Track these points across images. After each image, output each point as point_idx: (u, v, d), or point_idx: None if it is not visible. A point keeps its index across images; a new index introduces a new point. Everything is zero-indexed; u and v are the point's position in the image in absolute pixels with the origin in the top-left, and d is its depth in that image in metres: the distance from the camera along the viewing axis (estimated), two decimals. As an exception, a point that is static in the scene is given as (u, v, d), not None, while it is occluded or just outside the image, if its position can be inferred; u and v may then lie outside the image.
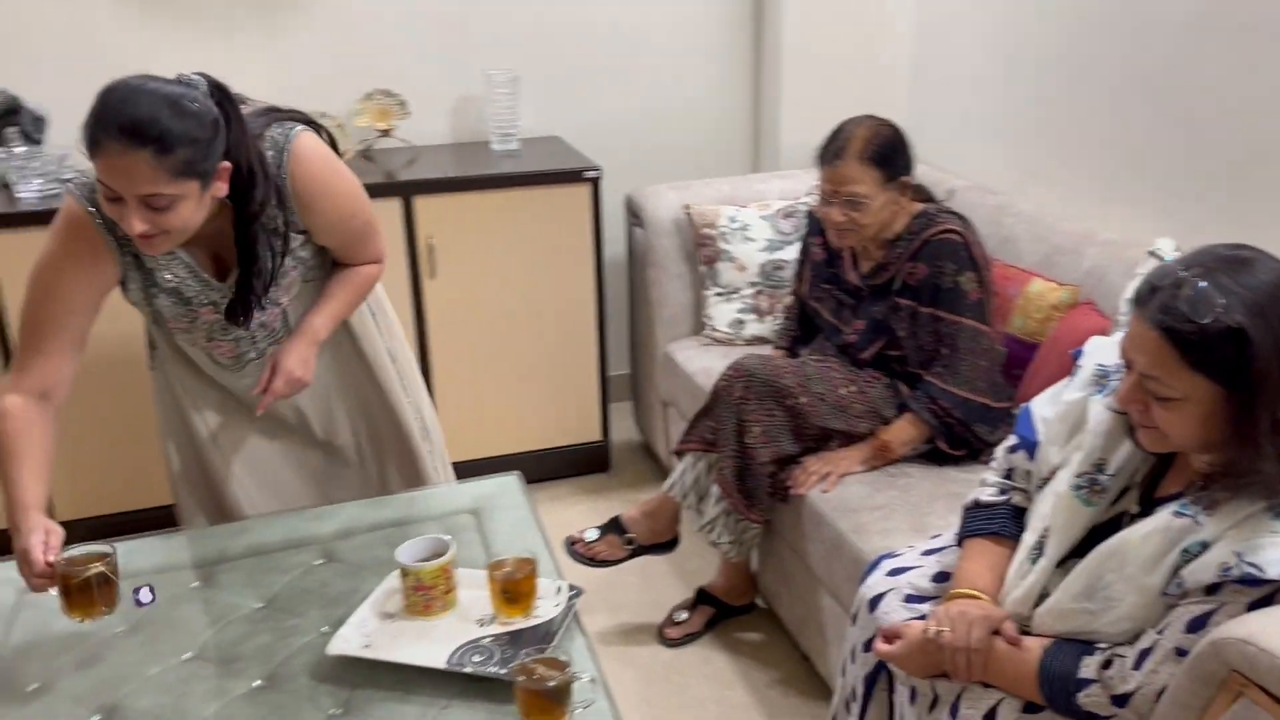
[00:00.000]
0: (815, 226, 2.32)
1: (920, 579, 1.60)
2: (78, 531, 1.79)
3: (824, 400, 2.13)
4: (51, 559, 1.50)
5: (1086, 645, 1.35)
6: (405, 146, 2.94)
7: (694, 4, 3.16)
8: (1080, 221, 2.39)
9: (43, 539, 1.51)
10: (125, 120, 1.46)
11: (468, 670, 1.44)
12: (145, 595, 1.61)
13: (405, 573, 1.55)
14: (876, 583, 1.64)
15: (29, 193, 2.52)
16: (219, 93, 1.59)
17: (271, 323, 1.83)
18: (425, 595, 1.55)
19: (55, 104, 2.67)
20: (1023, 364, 2.20)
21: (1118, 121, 2.37)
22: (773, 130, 3.22)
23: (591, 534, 2.30)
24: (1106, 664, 1.31)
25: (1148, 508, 1.37)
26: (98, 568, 1.50)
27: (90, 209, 1.64)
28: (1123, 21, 2.32)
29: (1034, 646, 1.38)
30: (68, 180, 1.66)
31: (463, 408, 2.88)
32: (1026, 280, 2.26)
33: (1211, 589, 1.23)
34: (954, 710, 1.43)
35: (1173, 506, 1.31)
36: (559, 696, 1.32)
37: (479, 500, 1.93)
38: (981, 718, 1.40)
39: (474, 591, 1.59)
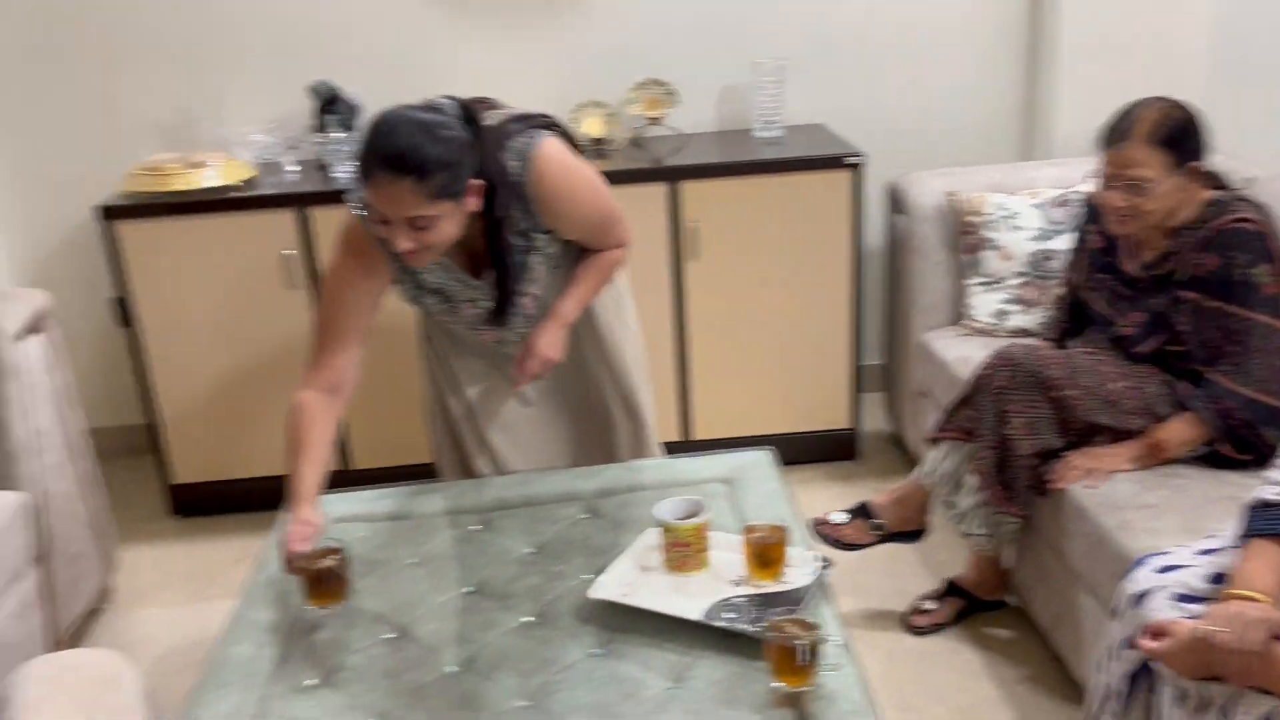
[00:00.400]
0: (1093, 213, 2.22)
1: (1193, 578, 1.53)
2: (373, 479, 2.01)
3: (1093, 394, 2.05)
4: (299, 549, 1.65)
5: None
6: (673, 134, 3.06)
7: (968, -12, 3.10)
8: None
9: (300, 530, 1.68)
10: (389, 152, 1.64)
11: (720, 624, 1.51)
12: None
13: (665, 529, 1.64)
14: (1143, 579, 1.57)
15: (345, 173, 2.83)
16: (466, 113, 1.75)
17: (526, 309, 1.99)
18: (682, 552, 1.63)
19: (368, 94, 2.97)
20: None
21: None
22: (1047, 117, 3.10)
23: (839, 516, 2.32)
24: None
25: None
26: (327, 562, 1.64)
27: (364, 223, 1.84)
28: None
29: None
30: (351, 196, 1.88)
31: (716, 386, 2.96)
32: (1332, 276, 2.07)
33: None
34: (1225, 714, 1.36)
35: None
36: (808, 655, 1.37)
37: (732, 471, 2.01)
38: (1255, 727, 1.32)
39: (727, 554, 1.66)
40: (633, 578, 1.64)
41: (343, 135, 2.87)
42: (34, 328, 2.30)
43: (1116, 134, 1.99)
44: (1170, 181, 1.96)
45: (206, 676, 1.54)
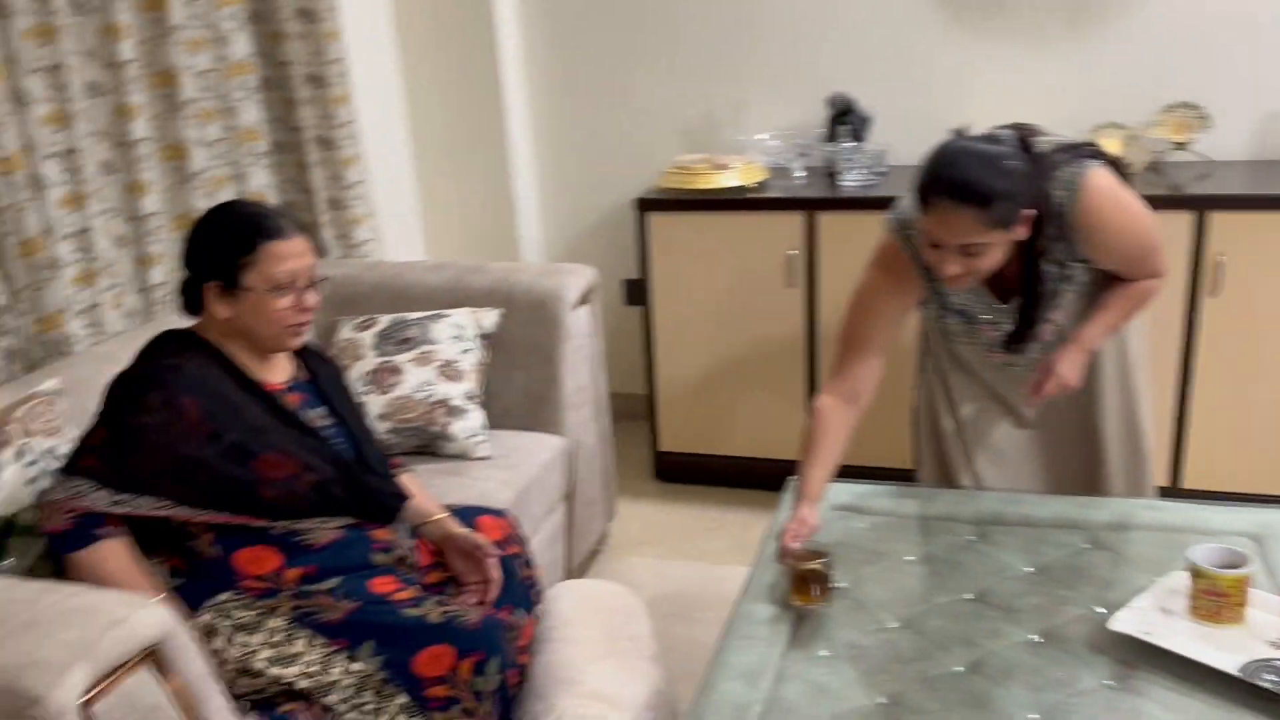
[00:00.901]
0: None
1: None
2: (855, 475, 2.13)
3: None
4: (794, 545, 1.77)
5: None
6: (1199, 160, 2.86)
7: None
8: None
9: (796, 529, 1.80)
10: (955, 181, 1.71)
11: (1263, 684, 1.43)
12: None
13: (1198, 574, 1.57)
14: None
15: (851, 181, 2.96)
16: (1024, 143, 1.77)
17: (1045, 335, 1.98)
18: (1216, 601, 1.56)
19: (879, 107, 3.09)
20: None
21: None
22: None
23: None
24: None
25: None
26: (815, 565, 1.72)
27: (901, 243, 1.93)
28: None
29: None
30: (889, 216, 1.97)
31: (1216, 434, 2.75)
32: None
33: None
34: None
35: None
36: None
37: (1260, 526, 1.87)
38: None
39: (1264, 614, 1.56)
40: (1154, 617, 1.60)
41: (852, 145, 3.01)
42: (584, 299, 2.66)
43: None
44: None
45: (733, 629, 1.72)
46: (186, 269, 1.79)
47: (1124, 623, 1.59)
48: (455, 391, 2.44)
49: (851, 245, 2.87)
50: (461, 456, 2.43)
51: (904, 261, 1.95)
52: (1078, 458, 2.15)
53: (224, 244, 1.74)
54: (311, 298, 1.79)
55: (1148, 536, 1.88)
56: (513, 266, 2.71)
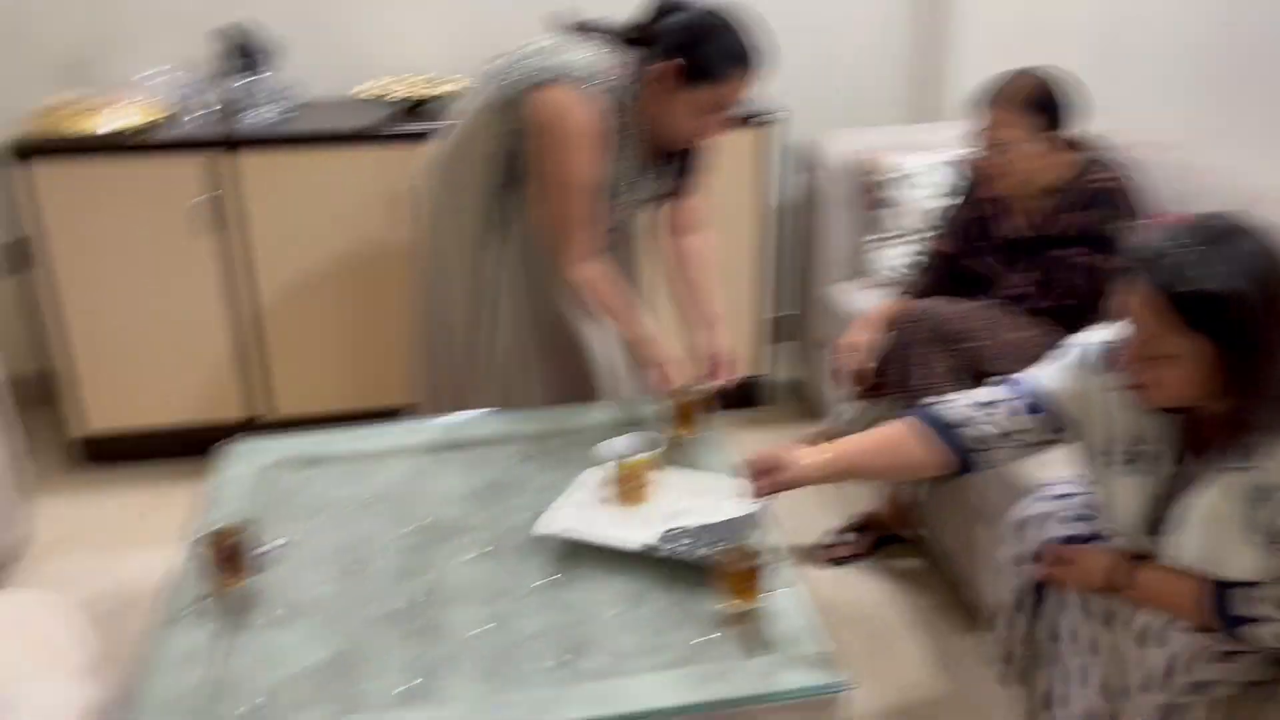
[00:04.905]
0: (965, 181, 2.38)
1: (1081, 507, 1.70)
2: (301, 428, 2.05)
3: (995, 344, 2.20)
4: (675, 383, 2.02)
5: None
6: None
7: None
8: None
9: (676, 369, 2.06)
10: (759, 48, 1.96)
11: (665, 553, 1.62)
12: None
13: (608, 464, 1.73)
14: (1031, 505, 1.74)
15: (259, 118, 2.79)
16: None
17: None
18: (624, 486, 1.73)
19: (290, 38, 2.92)
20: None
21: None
22: (944, 78, 3.27)
23: (841, 537, 2.53)
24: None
25: (1190, 472, 1.48)
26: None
27: (604, 102, 1.99)
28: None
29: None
30: (572, 77, 1.97)
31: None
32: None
33: None
34: (1126, 623, 1.54)
35: (1218, 464, 1.43)
36: (751, 577, 1.48)
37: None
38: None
39: (667, 491, 1.76)
40: (573, 514, 1.72)
41: (253, 78, 2.82)
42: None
43: (985, 99, 2.16)
44: (1033, 144, 2.13)
45: (166, 614, 1.56)
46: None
47: (545, 524, 1.70)
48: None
49: (268, 186, 2.73)
50: None
51: (607, 124, 1.99)
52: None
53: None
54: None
55: (574, 439, 2.03)
56: None
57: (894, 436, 1.67)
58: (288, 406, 2.94)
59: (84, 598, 2.35)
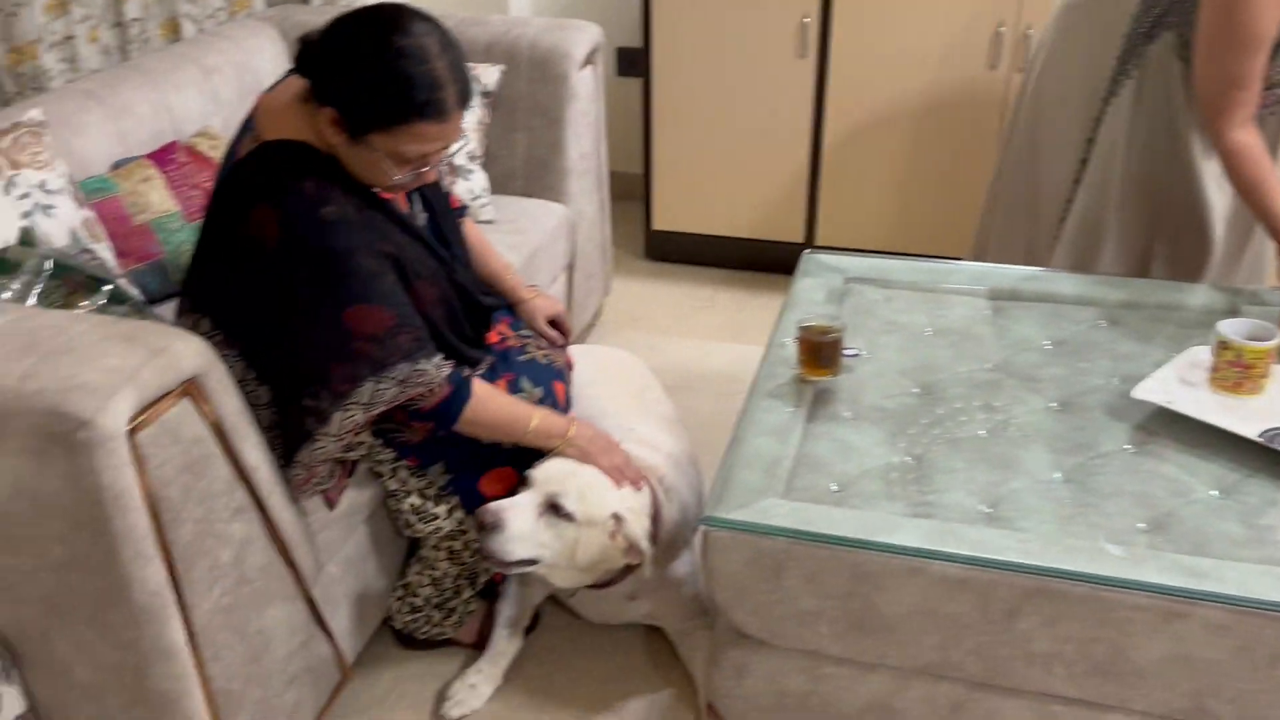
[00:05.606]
0: None
1: None
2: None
3: None
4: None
5: None
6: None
7: None
8: None
9: None
10: None
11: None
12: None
13: (1225, 346, 1.59)
14: None
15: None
16: None
17: None
18: (1241, 372, 1.58)
19: None
20: None
21: None
22: None
23: None
24: None
25: None
26: (826, 338, 1.68)
27: None
28: None
29: None
30: None
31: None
32: None
33: None
34: None
35: None
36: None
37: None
38: None
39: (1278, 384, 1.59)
40: (1176, 388, 1.62)
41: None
42: (589, 59, 2.52)
43: None
44: None
45: (759, 389, 1.71)
46: (315, 69, 1.42)
47: (1147, 390, 1.61)
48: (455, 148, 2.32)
49: (869, 12, 2.75)
50: (463, 219, 2.35)
51: None
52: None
53: (372, 94, 1.38)
54: (431, 175, 1.54)
55: (1158, 313, 1.89)
56: (514, 20, 2.55)
57: None
58: (827, 236, 3.04)
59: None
